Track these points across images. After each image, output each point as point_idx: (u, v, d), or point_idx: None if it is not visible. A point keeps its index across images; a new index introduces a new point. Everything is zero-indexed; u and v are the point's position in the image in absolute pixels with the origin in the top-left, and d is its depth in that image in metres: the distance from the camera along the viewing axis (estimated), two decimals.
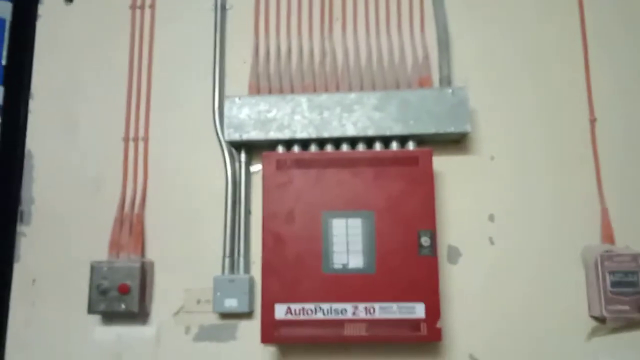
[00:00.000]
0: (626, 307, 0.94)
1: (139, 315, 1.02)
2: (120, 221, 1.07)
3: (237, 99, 1.04)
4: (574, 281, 1.00)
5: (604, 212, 1.02)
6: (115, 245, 1.05)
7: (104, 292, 1.00)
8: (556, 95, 1.08)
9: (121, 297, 1.00)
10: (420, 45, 1.10)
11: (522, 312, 1.00)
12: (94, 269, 1.01)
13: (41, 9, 1.20)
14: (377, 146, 1.03)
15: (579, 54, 1.09)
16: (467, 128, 1.00)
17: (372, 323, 0.92)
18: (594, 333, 0.98)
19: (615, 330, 0.98)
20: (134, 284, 1.00)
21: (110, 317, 1.05)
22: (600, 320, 0.97)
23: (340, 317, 0.93)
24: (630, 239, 1.01)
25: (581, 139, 1.06)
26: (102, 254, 1.06)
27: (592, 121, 1.06)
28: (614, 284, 0.95)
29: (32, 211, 1.11)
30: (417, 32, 1.11)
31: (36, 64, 1.17)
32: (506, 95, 1.08)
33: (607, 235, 1.00)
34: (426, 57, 1.08)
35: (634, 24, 1.10)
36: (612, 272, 0.95)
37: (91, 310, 1.00)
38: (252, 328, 1.01)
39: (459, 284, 1.01)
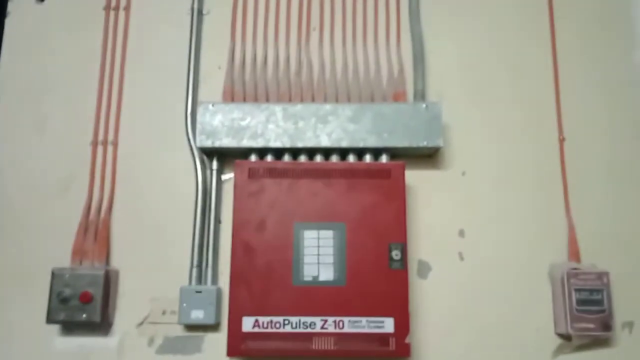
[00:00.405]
0: (591, 325, 0.95)
1: (101, 325, 0.99)
2: (85, 226, 1.04)
3: (210, 106, 1.02)
4: (542, 298, 1.01)
5: (571, 230, 1.03)
6: (78, 252, 1.02)
7: (64, 301, 0.96)
8: (528, 113, 1.10)
9: (83, 306, 0.96)
10: (396, 58, 1.10)
11: (490, 329, 1.00)
12: (56, 276, 0.98)
13: (10, 6, 1.16)
14: (351, 158, 1.02)
15: (549, 73, 1.11)
16: (440, 143, 1.00)
17: (341, 337, 0.91)
18: (559, 350, 0.99)
19: (581, 347, 0.99)
20: (96, 292, 0.97)
21: (71, 327, 1.01)
22: (566, 337, 0.99)
23: (308, 330, 0.92)
24: (596, 257, 1.02)
25: (551, 158, 1.08)
26: (65, 260, 1.02)
27: (561, 140, 1.08)
28: (580, 302, 0.96)
29: None
30: (393, 44, 1.12)
31: (3, 63, 1.14)
32: (479, 111, 1.10)
33: (574, 253, 1.02)
34: (401, 71, 1.09)
35: (603, 46, 1.13)
36: (578, 290, 0.96)
37: (50, 319, 0.97)
38: (218, 341, 0.98)
39: (429, 299, 1.01)
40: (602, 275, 0.97)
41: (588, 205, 1.05)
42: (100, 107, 1.10)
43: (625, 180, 1.07)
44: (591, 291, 0.96)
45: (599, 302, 0.96)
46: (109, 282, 0.99)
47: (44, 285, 0.98)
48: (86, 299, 0.96)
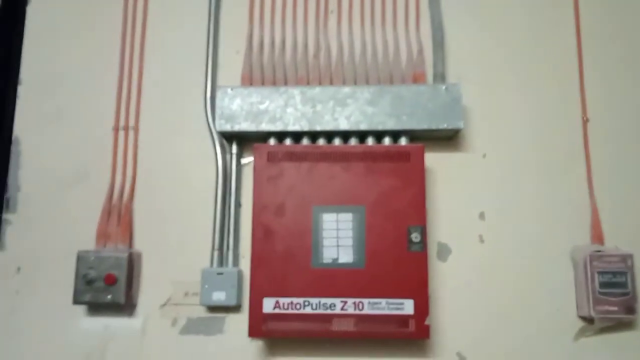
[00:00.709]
0: (614, 308, 0.94)
1: (126, 306, 1.01)
2: (108, 211, 1.06)
3: (229, 90, 1.03)
4: (563, 281, 1.00)
5: (594, 212, 1.02)
6: (102, 235, 1.04)
7: (90, 282, 0.98)
8: (549, 94, 1.08)
9: (107, 288, 0.98)
10: (415, 40, 1.09)
11: (510, 311, 1.00)
12: (81, 258, 1.00)
13: None
14: (370, 141, 1.02)
15: (573, 53, 1.09)
16: (460, 125, 0.99)
17: (361, 318, 0.92)
18: (581, 333, 0.99)
19: (604, 330, 0.98)
20: (120, 274, 0.99)
21: (96, 307, 1.03)
22: (589, 320, 0.98)
23: (328, 312, 0.92)
24: (620, 239, 1.01)
25: (573, 139, 1.06)
26: (89, 243, 1.04)
27: (585, 121, 1.06)
28: (603, 285, 0.95)
29: (19, 198, 1.09)
30: (412, 27, 1.11)
31: (26, 50, 1.15)
32: (499, 93, 1.08)
33: (597, 236, 1.00)
34: (420, 52, 1.08)
35: (628, 25, 1.10)
36: (600, 273, 0.95)
37: (76, 300, 0.99)
38: (239, 322, 1.00)
39: (448, 281, 1.01)
40: (625, 258, 0.96)
41: (612, 187, 1.04)
42: (121, 93, 1.12)
43: None
44: (614, 274, 0.95)
45: (623, 285, 0.95)
46: (132, 265, 1.01)
47: (69, 268, 1.01)
48: (110, 280, 0.98)
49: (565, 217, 1.03)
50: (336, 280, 0.93)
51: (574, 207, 1.03)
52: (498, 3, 1.12)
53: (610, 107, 1.07)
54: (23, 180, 1.10)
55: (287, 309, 0.93)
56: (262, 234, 0.95)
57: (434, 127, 0.99)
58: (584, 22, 1.10)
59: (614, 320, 0.96)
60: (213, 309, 1.02)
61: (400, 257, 0.93)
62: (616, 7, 1.11)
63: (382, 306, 0.92)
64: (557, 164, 1.05)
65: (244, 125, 1.01)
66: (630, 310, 0.94)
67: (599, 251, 0.97)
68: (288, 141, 1.02)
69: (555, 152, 1.05)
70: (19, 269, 1.06)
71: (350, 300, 0.92)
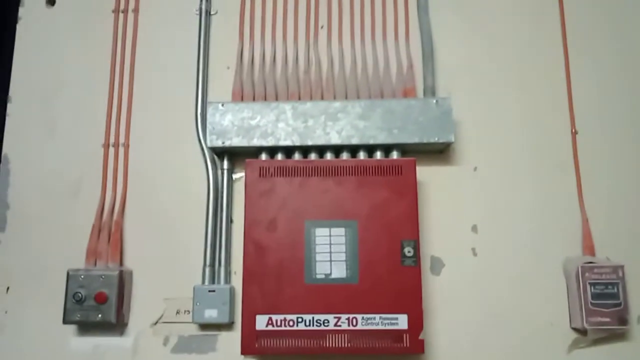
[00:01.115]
0: (607, 319, 0.94)
1: (117, 325, 1.00)
2: (98, 228, 1.04)
3: (220, 105, 1.02)
4: (556, 293, 1.00)
5: (585, 224, 1.02)
6: (92, 253, 1.03)
7: (80, 301, 0.97)
8: (539, 107, 1.09)
9: (98, 307, 0.97)
10: (405, 55, 1.10)
11: (504, 324, 1.00)
12: (71, 276, 0.99)
13: (22, 12, 1.17)
14: (361, 155, 1.02)
15: (561, 66, 1.10)
16: (451, 138, 1.00)
17: (355, 334, 0.91)
18: (575, 345, 0.99)
19: (597, 342, 0.98)
20: (111, 292, 0.98)
21: (87, 327, 1.02)
22: (582, 332, 0.98)
23: (322, 328, 0.92)
24: (611, 250, 1.02)
25: (563, 151, 1.07)
26: (79, 262, 1.03)
27: (574, 133, 1.07)
28: (595, 296, 0.95)
29: (8, 217, 1.08)
30: (402, 41, 1.11)
31: (15, 67, 1.15)
32: (490, 106, 1.09)
33: (588, 247, 1.01)
34: (410, 67, 1.08)
35: (616, 37, 1.12)
36: (592, 284, 0.96)
37: (67, 320, 0.97)
38: (232, 339, 0.99)
39: (442, 295, 1.01)
40: (617, 269, 0.96)
41: (602, 198, 1.04)
42: (111, 109, 1.11)
43: (638, 173, 1.05)
44: (606, 285, 0.95)
45: (615, 296, 0.95)
46: (123, 283, 1.00)
47: (59, 286, 0.99)
48: (101, 299, 0.97)
49: (556, 228, 1.03)
50: (329, 296, 0.92)
51: (565, 219, 1.04)
52: (487, 17, 1.13)
53: (599, 119, 1.08)
54: (12, 199, 1.09)
55: (280, 325, 0.92)
56: (254, 249, 0.94)
57: (425, 140, 1.00)
58: (570, 36, 1.11)
59: (606, 332, 0.96)
60: (205, 326, 1.01)
61: (393, 272, 0.93)
62: (603, 20, 1.12)
63: (376, 321, 0.92)
64: (547, 176, 1.06)
65: (236, 141, 1.01)
66: (623, 321, 0.94)
67: (591, 262, 0.97)
68: (280, 156, 1.02)
69: (546, 164, 1.06)
70: (7, 288, 1.05)
71: (344, 316, 0.92)
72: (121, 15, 1.15)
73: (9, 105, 1.13)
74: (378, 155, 1.02)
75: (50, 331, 1.02)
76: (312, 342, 0.91)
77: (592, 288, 0.96)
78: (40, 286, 1.04)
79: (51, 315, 1.00)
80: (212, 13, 1.15)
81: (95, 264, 1.02)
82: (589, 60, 1.10)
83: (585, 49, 1.11)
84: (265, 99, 1.07)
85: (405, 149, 1.02)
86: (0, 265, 1.06)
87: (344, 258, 0.94)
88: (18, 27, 1.17)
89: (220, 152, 1.05)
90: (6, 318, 1.03)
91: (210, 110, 1.03)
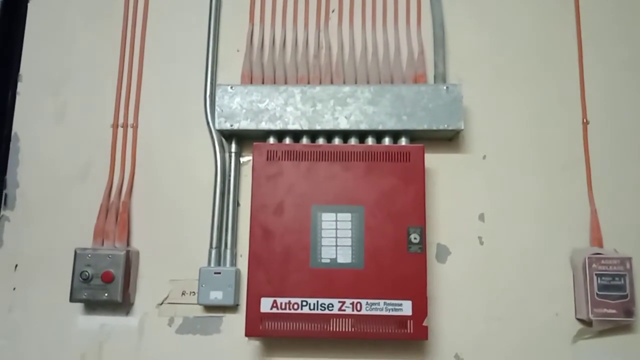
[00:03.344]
0: (613, 311, 0.94)
1: (122, 305, 1.01)
2: (106, 208, 1.05)
3: (229, 88, 1.02)
4: (562, 283, 1.00)
5: (593, 215, 1.02)
6: (100, 233, 1.04)
7: (87, 280, 0.98)
8: (550, 96, 1.07)
9: (104, 286, 0.98)
10: (416, 41, 1.09)
11: (509, 313, 0.99)
12: (78, 255, 0.99)
13: None
14: (370, 141, 1.02)
15: (573, 56, 1.09)
16: (460, 125, 0.99)
17: (359, 319, 0.92)
18: (580, 336, 0.98)
19: (602, 333, 0.98)
20: (118, 272, 0.98)
21: (93, 306, 1.03)
22: (587, 323, 0.97)
23: (326, 312, 0.92)
24: (619, 242, 1.01)
25: (573, 141, 1.06)
26: (86, 241, 1.03)
27: (585, 123, 1.06)
28: (602, 287, 0.95)
29: (17, 195, 1.09)
30: (414, 27, 1.10)
31: (26, 47, 1.15)
32: (500, 94, 1.08)
33: (596, 238, 1.00)
34: (421, 53, 1.07)
35: (628, 28, 1.10)
36: (599, 275, 0.95)
37: (73, 298, 0.98)
38: (236, 321, 0.99)
39: (447, 282, 1.01)
40: (624, 261, 0.96)
41: (611, 190, 1.03)
42: (120, 90, 1.11)
43: None
44: (613, 276, 0.95)
45: (621, 288, 0.94)
46: (129, 263, 1.01)
47: (66, 265, 1.00)
48: (108, 278, 0.98)
49: (564, 219, 1.03)
50: (334, 281, 0.93)
51: (573, 210, 1.03)
52: (499, 5, 1.12)
53: (611, 109, 1.07)
54: (22, 177, 1.09)
55: (285, 309, 0.92)
56: (261, 233, 0.95)
57: (434, 127, 0.99)
58: (585, 25, 1.10)
59: (612, 323, 0.96)
60: (210, 308, 1.01)
61: (399, 258, 0.93)
62: (617, 10, 1.11)
63: (381, 307, 0.92)
64: (557, 166, 1.05)
65: (244, 124, 1.01)
66: (629, 313, 0.94)
67: (598, 254, 0.97)
68: (288, 140, 1.02)
69: (555, 154, 1.05)
70: (16, 266, 1.06)
71: (348, 301, 0.92)
72: None
73: (19, 85, 1.13)
74: (386, 141, 1.01)
75: (57, 309, 1.03)
76: (316, 325, 0.91)
77: (599, 279, 0.95)
78: (47, 265, 1.05)
79: (58, 293, 1.01)
80: None
81: (103, 244, 1.03)
82: (602, 51, 1.09)
83: (598, 40, 1.09)
84: (275, 83, 1.06)
85: (414, 136, 1.02)
86: (9, 243, 1.07)
87: (349, 243, 0.94)
88: (29, 6, 1.17)
89: (228, 135, 1.05)
90: (14, 295, 1.05)
91: (219, 92, 1.02)
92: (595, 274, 0.95)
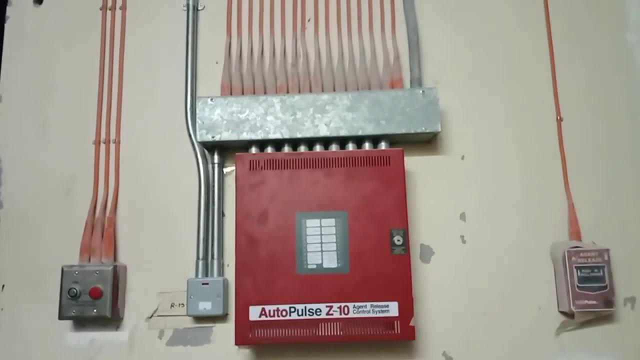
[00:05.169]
0: (593, 302, 0.96)
1: (112, 319, 1.01)
2: (91, 224, 1.05)
3: (209, 100, 1.03)
4: (544, 277, 1.02)
5: (571, 209, 1.04)
6: (86, 249, 1.04)
7: (75, 297, 0.98)
8: (524, 95, 1.10)
9: (93, 302, 0.98)
10: (392, 46, 1.11)
11: (493, 309, 1.02)
12: (65, 272, 1.00)
13: (10, 11, 1.17)
14: (350, 146, 1.03)
15: (545, 55, 1.12)
16: (438, 128, 1.01)
17: (347, 322, 0.93)
18: (563, 328, 1.01)
19: (584, 324, 1.00)
20: (106, 288, 0.99)
21: (82, 322, 1.03)
22: (569, 315, 1.00)
23: (314, 317, 0.93)
24: (597, 235, 1.03)
25: (548, 138, 1.08)
26: (73, 258, 1.04)
27: (559, 120, 1.09)
28: (582, 280, 0.97)
29: (1, 215, 1.08)
30: (389, 33, 1.12)
31: (5, 66, 1.15)
32: (476, 95, 1.10)
33: (574, 232, 1.03)
34: (397, 59, 1.09)
35: (599, 26, 1.13)
36: (579, 268, 0.97)
37: (62, 315, 0.99)
38: (226, 331, 1.00)
39: (432, 282, 1.02)
40: (602, 252, 0.98)
41: (587, 184, 1.06)
42: (101, 106, 1.12)
43: (621, 158, 1.07)
44: (592, 268, 0.97)
45: (600, 279, 0.97)
46: (117, 278, 1.01)
47: (54, 282, 1.00)
48: (96, 294, 0.98)
49: (544, 214, 1.05)
50: (321, 286, 0.94)
51: (552, 205, 1.05)
52: (472, 8, 1.14)
53: (583, 106, 1.09)
54: (5, 198, 1.09)
55: (274, 316, 0.93)
56: (246, 242, 0.96)
57: (412, 130, 1.01)
58: (555, 24, 1.13)
59: (593, 314, 0.98)
60: (200, 319, 1.02)
61: (383, 260, 0.94)
62: (585, 11, 1.14)
63: (368, 309, 0.93)
64: (534, 163, 1.07)
65: (225, 135, 1.02)
66: (609, 303, 0.96)
67: (577, 247, 0.99)
68: (269, 149, 1.04)
69: (532, 151, 1.08)
70: (3, 286, 1.06)
71: (335, 305, 0.93)
72: (109, 13, 1.16)
73: None
74: (366, 146, 1.03)
75: (46, 327, 1.03)
76: (305, 331, 0.93)
77: (579, 272, 0.97)
78: (35, 283, 1.05)
79: (47, 311, 1.02)
80: (199, 8, 1.15)
81: (89, 260, 1.03)
82: (573, 48, 1.12)
83: (569, 37, 1.12)
84: (254, 93, 1.08)
85: (393, 140, 1.04)
86: None
87: (334, 248, 0.95)
88: (6, 26, 1.17)
89: (210, 147, 1.06)
90: (2, 316, 1.04)
91: (199, 105, 1.03)
92: (575, 267, 0.98)
